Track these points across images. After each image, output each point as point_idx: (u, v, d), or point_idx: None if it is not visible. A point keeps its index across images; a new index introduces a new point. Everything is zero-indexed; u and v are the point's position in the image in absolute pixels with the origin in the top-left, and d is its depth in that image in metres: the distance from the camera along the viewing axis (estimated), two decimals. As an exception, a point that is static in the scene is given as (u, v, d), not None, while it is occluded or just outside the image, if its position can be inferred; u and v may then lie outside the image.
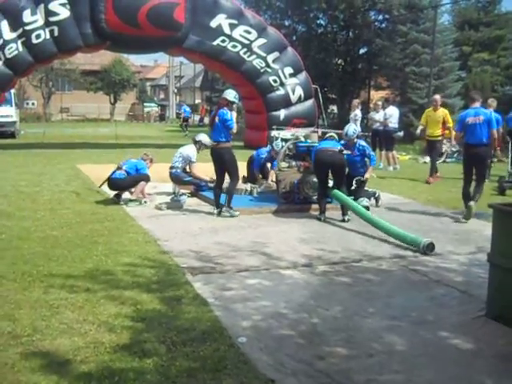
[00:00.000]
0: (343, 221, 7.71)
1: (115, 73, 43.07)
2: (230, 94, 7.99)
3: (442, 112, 12.00)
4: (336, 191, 7.79)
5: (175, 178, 9.04)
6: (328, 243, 6.48)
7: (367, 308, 4.40)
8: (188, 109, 31.20)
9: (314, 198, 8.35)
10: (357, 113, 15.10)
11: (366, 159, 8.63)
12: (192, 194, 9.30)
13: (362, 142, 8.76)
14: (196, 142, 9.05)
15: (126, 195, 8.77)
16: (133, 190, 8.73)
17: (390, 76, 26.57)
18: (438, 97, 12.27)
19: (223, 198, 8.02)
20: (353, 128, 8.64)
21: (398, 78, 25.19)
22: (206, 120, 39.93)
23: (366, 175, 8.57)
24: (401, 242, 6.41)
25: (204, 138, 9.05)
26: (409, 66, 24.04)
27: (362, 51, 30.80)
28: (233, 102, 7.98)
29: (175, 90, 51.87)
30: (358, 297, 4.66)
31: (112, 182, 8.65)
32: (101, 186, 9.18)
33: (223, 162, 7.92)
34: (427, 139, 12.28)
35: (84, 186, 10.18)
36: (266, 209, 8.26)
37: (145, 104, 50.19)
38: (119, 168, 8.73)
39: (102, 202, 8.56)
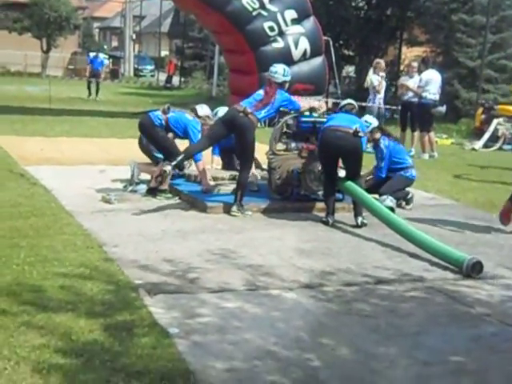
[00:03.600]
0: (357, 225, 7.76)
1: (49, 7, 42.36)
2: (276, 70, 8.23)
3: None
4: (349, 183, 7.84)
5: (144, 147, 9.02)
6: (337, 256, 6.52)
7: (388, 349, 4.41)
8: (103, 57, 28.82)
9: (320, 193, 8.40)
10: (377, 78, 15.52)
11: None
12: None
13: (384, 143, 8.79)
14: (196, 115, 8.94)
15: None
16: (153, 168, 8.67)
17: (429, 27, 26.52)
18: None
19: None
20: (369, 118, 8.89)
21: (441, 29, 25.17)
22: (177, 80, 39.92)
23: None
24: (438, 258, 6.42)
25: (205, 109, 8.94)
26: (457, 13, 23.99)
27: (392, -9, 30.76)
28: (278, 83, 8.18)
29: (133, 36, 51.59)
30: (375, 333, 4.68)
31: (143, 122, 8.65)
32: (135, 113, 8.83)
33: (240, 139, 8.07)
34: None
35: (2, 166, 10.12)
36: (253, 206, 8.26)
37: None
38: (164, 111, 8.68)
39: (28, 190, 8.51)
